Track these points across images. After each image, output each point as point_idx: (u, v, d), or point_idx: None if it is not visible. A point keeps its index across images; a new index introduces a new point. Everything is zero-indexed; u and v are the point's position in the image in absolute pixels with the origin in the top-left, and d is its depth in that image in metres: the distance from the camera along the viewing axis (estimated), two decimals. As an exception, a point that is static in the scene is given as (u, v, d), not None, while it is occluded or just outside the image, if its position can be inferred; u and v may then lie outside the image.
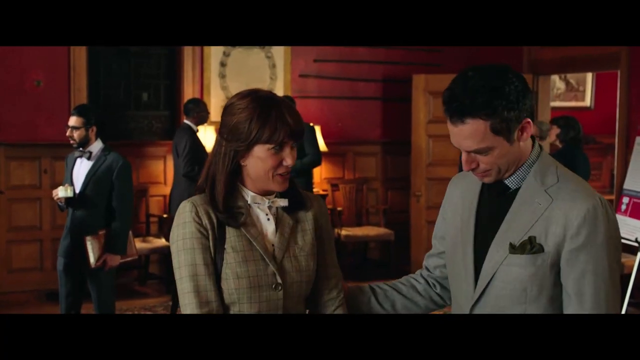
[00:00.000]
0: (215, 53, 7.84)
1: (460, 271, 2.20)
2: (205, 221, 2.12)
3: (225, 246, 2.12)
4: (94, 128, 4.96)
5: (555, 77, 10.81)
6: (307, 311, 2.29)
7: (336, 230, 7.86)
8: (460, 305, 2.22)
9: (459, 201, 2.27)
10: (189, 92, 7.75)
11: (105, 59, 7.69)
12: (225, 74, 7.90)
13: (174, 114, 8.01)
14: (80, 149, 4.98)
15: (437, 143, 8.03)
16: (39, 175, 7.25)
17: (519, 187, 2.09)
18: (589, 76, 11.24)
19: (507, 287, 2.07)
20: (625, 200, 6.13)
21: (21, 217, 7.26)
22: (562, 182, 2.06)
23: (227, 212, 2.14)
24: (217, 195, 2.14)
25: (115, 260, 4.95)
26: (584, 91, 11.35)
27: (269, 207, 2.20)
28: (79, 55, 7.32)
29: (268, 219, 2.20)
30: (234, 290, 2.10)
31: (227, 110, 2.15)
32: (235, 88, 7.86)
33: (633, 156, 6.38)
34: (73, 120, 4.94)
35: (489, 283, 2.10)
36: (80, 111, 4.99)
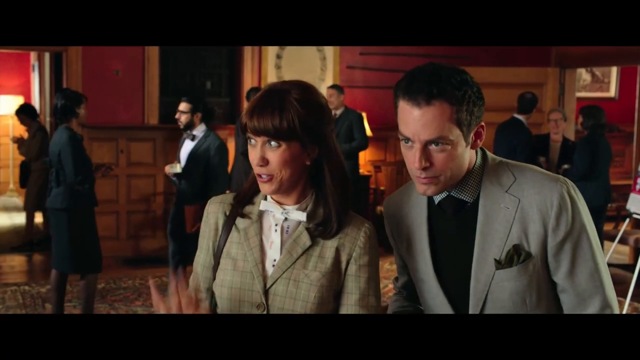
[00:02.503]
0: (272, 46, 8.65)
1: (432, 305, 2.03)
2: (212, 221, 2.02)
3: (224, 249, 1.98)
4: (199, 114, 5.86)
5: (581, 70, 11.50)
6: None
7: (378, 207, 8.65)
8: None
9: (401, 229, 2.06)
10: (248, 81, 8.57)
11: (174, 51, 8.53)
12: (281, 65, 8.72)
13: (233, 101, 8.85)
14: (188, 131, 5.89)
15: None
16: (116, 155, 8.12)
17: (476, 199, 1.92)
18: (614, 69, 11.88)
19: (505, 305, 1.90)
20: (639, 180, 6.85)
21: (100, 191, 8.07)
22: (519, 177, 1.90)
23: (236, 212, 1.99)
24: (243, 189, 2.01)
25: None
26: (609, 83, 12.01)
27: (285, 219, 1.96)
28: (152, 47, 8.18)
29: (275, 231, 1.95)
30: (218, 297, 1.96)
31: None
32: (290, 78, 8.62)
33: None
34: (182, 106, 5.88)
35: (482, 307, 1.92)
36: (189, 99, 5.93)
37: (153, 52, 8.19)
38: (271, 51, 8.66)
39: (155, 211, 8.35)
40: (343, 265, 1.93)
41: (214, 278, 1.99)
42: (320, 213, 1.93)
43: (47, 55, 10.27)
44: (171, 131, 8.04)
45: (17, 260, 8.19)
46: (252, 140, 1.87)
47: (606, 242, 7.26)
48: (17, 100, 11.99)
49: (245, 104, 7.96)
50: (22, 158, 9.09)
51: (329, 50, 8.91)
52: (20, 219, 10.58)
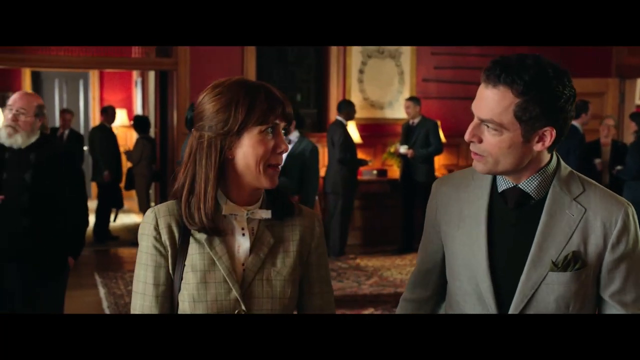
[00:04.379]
0: (355, 61, 9.66)
1: (473, 291, 2.00)
2: (165, 236, 1.87)
3: (185, 263, 1.87)
4: (294, 122, 6.84)
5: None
6: None
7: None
8: None
9: (455, 209, 2.06)
10: (333, 93, 9.59)
11: (268, 66, 9.61)
12: (363, 80, 9.71)
13: (320, 112, 9.87)
14: (287, 137, 6.89)
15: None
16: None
17: (543, 198, 1.94)
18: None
19: (548, 307, 1.91)
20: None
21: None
22: (588, 189, 1.94)
23: (206, 220, 1.85)
24: (203, 197, 1.85)
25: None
26: (671, 91, 12.66)
27: (248, 220, 1.92)
28: (250, 63, 9.26)
29: (243, 234, 1.91)
30: (191, 314, 1.86)
31: (202, 101, 1.89)
32: (371, 90, 9.70)
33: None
34: None
35: (526, 304, 1.92)
36: None
37: (250, 68, 9.27)
38: (354, 67, 9.66)
39: (252, 210, 9.40)
40: (304, 256, 1.97)
41: (174, 296, 1.89)
42: (276, 201, 1.97)
43: (151, 73, 11.48)
44: (266, 139, 9.09)
45: (133, 252, 9.37)
46: (272, 128, 1.88)
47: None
48: (121, 113, 13.28)
49: (333, 115, 8.96)
50: (126, 167, 10.37)
51: (406, 65, 9.86)
52: (127, 219, 11.81)
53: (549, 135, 1.87)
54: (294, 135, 6.90)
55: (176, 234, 1.88)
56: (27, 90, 4.25)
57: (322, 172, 9.31)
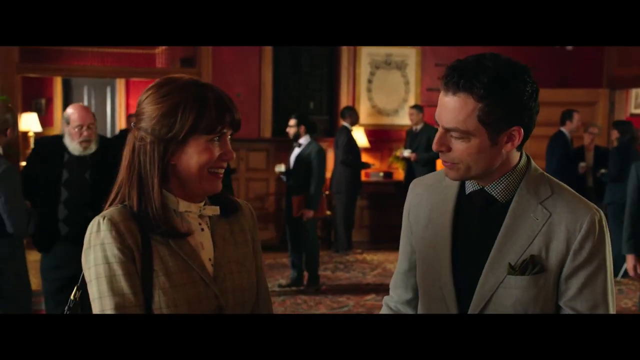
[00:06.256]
0: (364, 72, 10.46)
1: (437, 293, 1.97)
2: (129, 241, 1.73)
3: (155, 268, 1.74)
4: (303, 127, 7.59)
5: (639, 90, 12.87)
6: None
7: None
8: None
9: (424, 211, 2.03)
10: (343, 101, 10.36)
11: (284, 76, 10.41)
12: (372, 89, 10.50)
13: (332, 118, 10.65)
14: (297, 141, 7.64)
15: (530, 141, 10.34)
16: (237, 163, 9.98)
17: (509, 200, 1.90)
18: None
19: (506, 312, 1.87)
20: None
21: (225, 192, 10.00)
22: (556, 193, 1.89)
23: (165, 223, 1.76)
24: (150, 203, 1.76)
25: (309, 213, 7.52)
26: (665, 101, 13.32)
27: (200, 217, 1.86)
28: (267, 74, 10.07)
29: (202, 230, 1.84)
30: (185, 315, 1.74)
31: (146, 100, 1.77)
32: (379, 99, 10.47)
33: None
34: (291, 122, 7.63)
35: (483, 307, 1.89)
36: (295, 115, 7.68)
37: (267, 78, 10.07)
38: (363, 77, 10.45)
39: (268, 208, 10.16)
40: (250, 245, 1.94)
41: (144, 302, 1.73)
42: (217, 197, 1.91)
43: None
44: (281, 143, 9.84)
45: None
46: (219, 136, 1.80)
47: None
48: (145, 118, 14.11)
49: (341, 121, 9.75)
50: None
51: (412, 75, 10.64)
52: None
53: (517, 134, 1.84)
54: (304, 140, 7.66)
55: (139, 238, 1.75)
56: (80, 104, 4.97)
57: (327, 173, 10.07)
